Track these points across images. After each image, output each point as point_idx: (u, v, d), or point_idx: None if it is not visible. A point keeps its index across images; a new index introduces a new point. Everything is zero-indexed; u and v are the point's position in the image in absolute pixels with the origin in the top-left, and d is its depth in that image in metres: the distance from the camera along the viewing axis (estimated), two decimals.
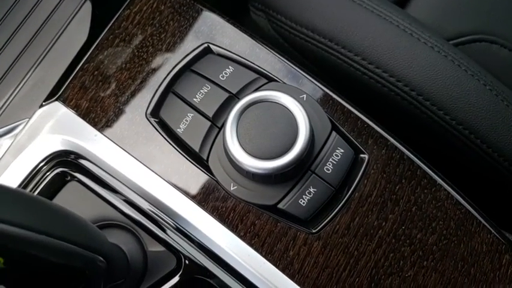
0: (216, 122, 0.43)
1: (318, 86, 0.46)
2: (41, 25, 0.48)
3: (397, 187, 0.43)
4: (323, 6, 0.55)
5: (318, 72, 0.56)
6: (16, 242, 0.25)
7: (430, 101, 0.51)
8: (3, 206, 0.25)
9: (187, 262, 0.42)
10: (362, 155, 0.44)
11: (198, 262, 0.41)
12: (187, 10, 0.48)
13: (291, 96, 0.41)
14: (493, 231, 0.43)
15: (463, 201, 0.43)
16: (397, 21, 0.53)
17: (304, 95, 0.43)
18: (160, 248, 0.42)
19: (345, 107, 0.45)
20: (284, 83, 0.45)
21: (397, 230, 0.42)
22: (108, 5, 0.48)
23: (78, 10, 0.48)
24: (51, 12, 0.48)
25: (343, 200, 0.42)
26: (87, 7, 0.49)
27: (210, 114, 0.43)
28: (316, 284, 0.40)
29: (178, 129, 0.43)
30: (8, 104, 0.45)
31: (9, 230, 0.25)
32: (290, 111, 0.40)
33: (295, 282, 0.40)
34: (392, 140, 0.44)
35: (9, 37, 0.47)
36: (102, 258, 0.31)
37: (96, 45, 0.46)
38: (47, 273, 0.27)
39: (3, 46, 0.47)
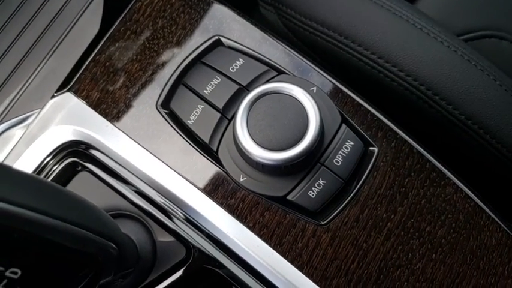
0: (226, 114, 0.43)
1: (328, 79, 0.46)
2: (54, 17, 0.48)
3: (406, 180, 0.43)
4: (333, 1, 0.55)
5: (328, 66, 0.56)
6: (31, 226, 0.25)
7: (440, 96, 0.51)
8: (19, 191, 0.25)
9: (196, 252, 0.42)
10: (371, 148, 0.44)
11: (207, 252, 0.42)
12: (198, 3, 0.48)
13: (302, 88, 0.41)
14: (502, 225, 0.43)
15: (472, 195, 0.43)
16: (406, 15, 0.53)
17: (314, 88, 0.44)
18: (169, 239, 0.43)
19: (354, 100, 0.45)
20: (294, 75, 0.45)
21: (406, 223, 0.42)
22: None
23: (90, 2, 0.49)
24: (64, 4, 0.48)
25: (352, 192, 0.42)
26: None
27: (220, 106, 0.43)
28: (325, 276, 0.40)
29: (188, 121, 0.44)
30: (21, 95, 0.46)
31: (24, 214, 0.25)
32: (300, 102, 0.40)
33: (304, 273, 0.40)
34: (401, 133, 0.45)
35: (22, 29, 0.48)
36: (114, 245, 0.31)
37: (108, 37, 0.47)
38: (61, 258, 0.28)
39: (16, 37, 0.47)
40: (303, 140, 0.39)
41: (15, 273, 0.26)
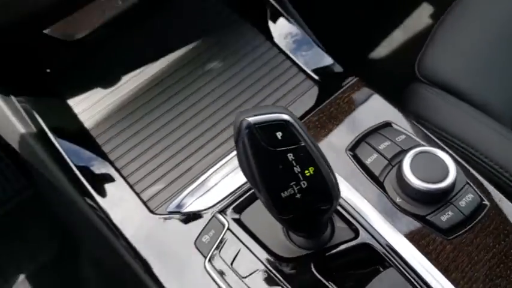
0: (392, 162, 0.70)
1: (456, 158, 0.72)
2: None
3: (508, 227, 0.65)
4: (453, 118, 0.85)
5: None
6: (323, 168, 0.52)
7: None
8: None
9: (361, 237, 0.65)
10: (484, 202, 0.67)
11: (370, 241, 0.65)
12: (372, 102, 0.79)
13: (444, 152, 0.67)
14: None
15: None
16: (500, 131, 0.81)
17: None
18: (343, 225, 0.67)
19: (475, 175, 0.70)
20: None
21: (506, 252, 0.62)
22: None
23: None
24: None
25: (470, 224, 0.65)
26: None
27: (389, 157, 0.70)
28: (446, 269, 0.61)
29: (366, 161, 0.71)
30: None
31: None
32: (442, 160, 0.66)
33: (432, 264, 0.62)
34: (505, 199, 0.67)
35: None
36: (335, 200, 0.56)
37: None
38: (320, 189, 0.54)
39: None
40: (444, 181, 0.64)
41: (304, 184, 0.52)
